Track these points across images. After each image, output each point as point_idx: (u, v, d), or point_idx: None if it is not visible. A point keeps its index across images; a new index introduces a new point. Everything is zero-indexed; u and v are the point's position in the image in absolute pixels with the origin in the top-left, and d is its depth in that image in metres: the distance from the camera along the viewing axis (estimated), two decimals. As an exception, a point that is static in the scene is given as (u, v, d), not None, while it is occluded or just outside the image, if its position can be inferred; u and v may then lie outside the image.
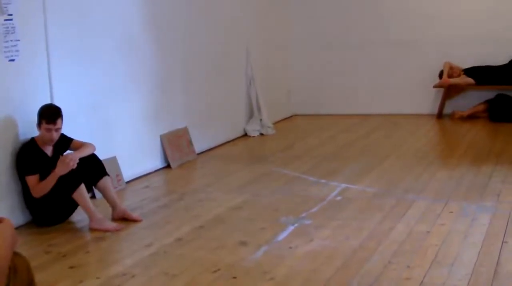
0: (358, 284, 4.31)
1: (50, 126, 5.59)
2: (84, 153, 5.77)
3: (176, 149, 8.02)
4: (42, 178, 5.58)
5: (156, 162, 7.79)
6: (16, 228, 5.64)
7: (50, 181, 5.53)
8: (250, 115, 10.03)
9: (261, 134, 9.88)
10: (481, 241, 5.03)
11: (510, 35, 10.59)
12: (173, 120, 8.14)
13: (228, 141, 9.39)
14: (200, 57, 8.75)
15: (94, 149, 5.89)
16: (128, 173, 7.16)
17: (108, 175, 5.96)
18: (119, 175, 6.95)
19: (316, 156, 8.31)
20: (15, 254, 2.90)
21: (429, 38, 10.95)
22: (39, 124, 5.63)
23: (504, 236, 5.11)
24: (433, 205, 6.01)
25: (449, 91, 10.83)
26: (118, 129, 7.16)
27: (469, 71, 10.64)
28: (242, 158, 8.67)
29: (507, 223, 5.41)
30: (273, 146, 9.21)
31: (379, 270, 4.52)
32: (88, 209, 5.62)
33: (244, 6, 9.95)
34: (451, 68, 10.64)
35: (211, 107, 9.02)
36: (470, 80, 10.58)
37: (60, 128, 5.67)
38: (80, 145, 5.86)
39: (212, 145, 8.98)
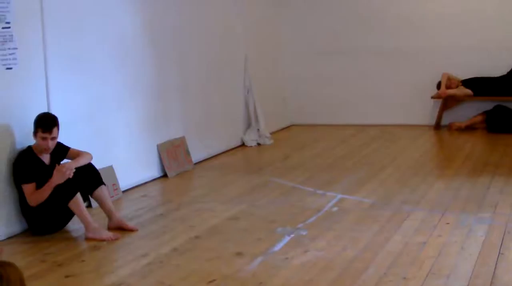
0: (354, 295, 4.31)
1: (46, 135, 5.59)
2: (81, 162, 5.77)
3: (173, 158, 8.01)
4: (39, 186, 5.58)
5: (153, 172, 7.78)
6: (12, 237, 5.68)
7: (47, 190, 5.53)
8: (248, 125, 10.03)
9: (259, 144, 9.87)
10: (478, 252, 5.02)
11: (509, 46, 10.59)
12: (170, 130, 8.14)
13: (226, 151, 9.38)
14: (197, 67, 8.75)
15: (91, 158, 5.89)
16: (124, 182, 7.15)
17: (104, 184, 5.96)
18: (115, 184, 6.94)
19: (313, 167, 8.30)
20: (8, 265, 2.88)
21: (428, 49, 10.95)
22: (35, 133, 5.63)
23: (500, 248, 5.11)
24: (430, 216, 6.00)
25: (447, 102, 10.83)
26: (115, 138, 7.15)
27: (467, 83, 10.65)
28: (240, 168, 8.66)
29: (504, 235, 5.40)
30: (270, 156, 9.20)
31: (375, 281, 4.51)
32: (84, 218, 5.61)
33: (241, 15, 9.96)
34: (449, 79, 10.65)
35: (208, 117, 9.01)
36: (468, 91, 10.58)
37: (56, 137, 5.66)
38: (77, 154, 5.86)
39: (210, 155, 8.97)
